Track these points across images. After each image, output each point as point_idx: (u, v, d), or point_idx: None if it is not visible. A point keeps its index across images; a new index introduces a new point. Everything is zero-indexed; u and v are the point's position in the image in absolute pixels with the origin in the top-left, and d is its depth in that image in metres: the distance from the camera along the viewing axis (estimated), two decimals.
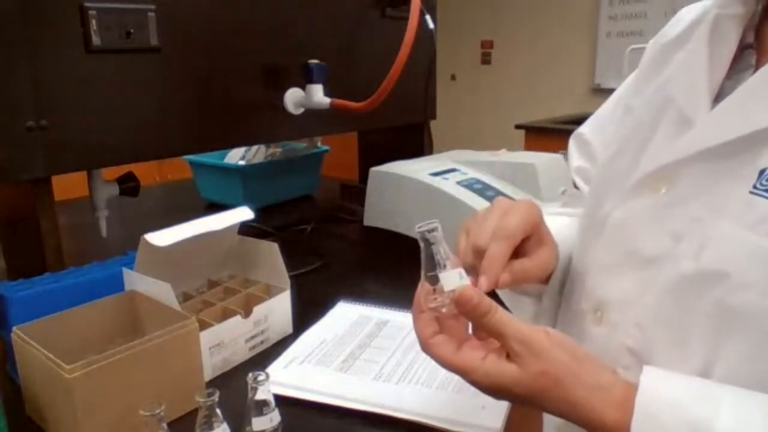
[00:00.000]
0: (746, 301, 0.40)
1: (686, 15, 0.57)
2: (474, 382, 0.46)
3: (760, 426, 0.38)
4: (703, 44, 0.49)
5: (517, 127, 3.13)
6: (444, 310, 0.48)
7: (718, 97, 0.47)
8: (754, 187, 0.41)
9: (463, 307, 0.46)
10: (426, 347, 0.48)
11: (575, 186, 0.75)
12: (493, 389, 0.45)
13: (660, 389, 0.41)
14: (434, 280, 0.48)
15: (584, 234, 0.57)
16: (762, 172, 0.41)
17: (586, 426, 0.43)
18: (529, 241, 0.53)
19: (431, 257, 0.49)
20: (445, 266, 0.48)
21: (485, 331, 0.46)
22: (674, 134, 0.48)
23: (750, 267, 0.40)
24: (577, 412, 0.43)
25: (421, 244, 0.49)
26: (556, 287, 0.61)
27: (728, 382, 0.41)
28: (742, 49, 0.49)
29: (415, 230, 0.49)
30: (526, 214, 0.52)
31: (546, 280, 0.60)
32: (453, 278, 0.48)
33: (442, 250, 0.49)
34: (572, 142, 0.75)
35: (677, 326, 0.44)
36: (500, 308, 0.46)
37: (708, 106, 0.46)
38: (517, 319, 0.46)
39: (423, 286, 0.49)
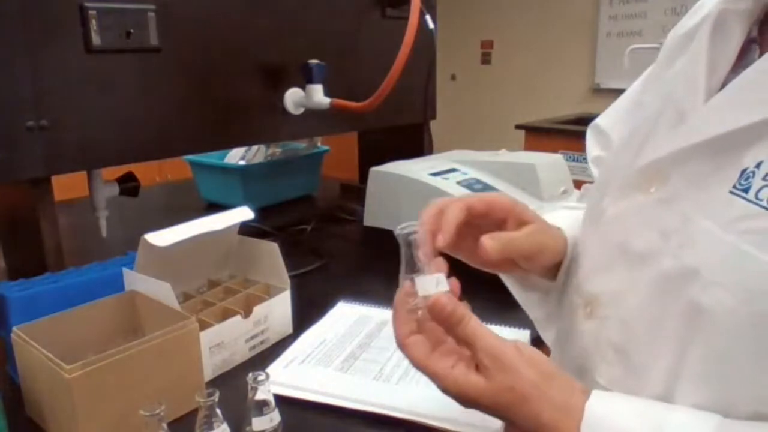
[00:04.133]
0: (716, 299, 0.39)
1: (706, 4, 0.55)
2: (443, 390, 0.46)
3: None
4: (704, 40, 0.48)
5: (517, 127, 3.13)
6: (419, 313, 0.49)
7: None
8: (734, 186, 0.40)
9: (436, 315, 0.46)
10: (401, 346, 0.48)
11: (578, 185, 0.76)
12: (461, 398, 0.46)
13: (605, 414, 0.42)
14: (413, 283, 0.49)
15: (584, 228, 0.57)
16: (743, 171, 0.40)
17: None
18: (506, 223, 0.55)
19: (411, 259, 0.49)
20: (424, 270, 0.49)
21: (457, 339, 0.47)
22: (669, 130, 0.47)
23: (721, 266, 0.39)
24: (542, 431, 0.43)
25: (402, 247, 0.49)
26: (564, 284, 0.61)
27: (695, 383, 0.41)
28: (750, 42, 0.48)
29: (395, 231, 0.50)
30: (489, 196, 0.55)
31: (554, 273, 0.60)
32: (429, 284, 0.48)
33: (421, 253, 0.49)
34: (589, 133, 0.75)
35: (655, 323, 0.44)
36: (474, 318, 0.46)
37: (703, 102, 0.46)
38: (490, 331, 0.46)
39: (403, 287, 0.50)
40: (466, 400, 0.46)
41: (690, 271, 0.41)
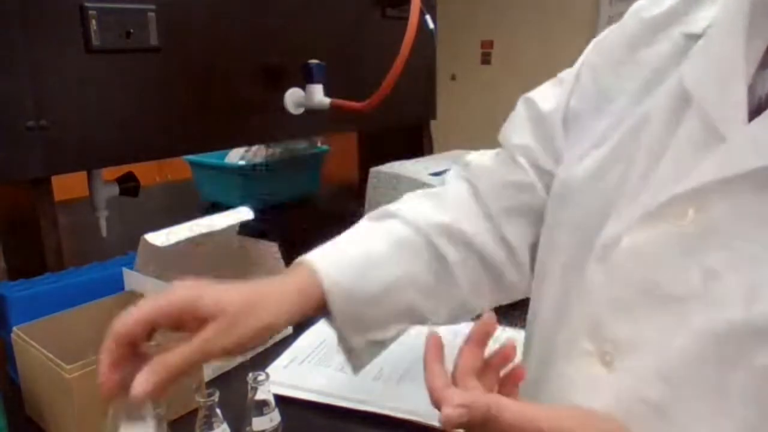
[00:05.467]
0: None
1: None
2: None
3: None
4: (738, 37, 0.40)
5: None
6: None
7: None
8: None
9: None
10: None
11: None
12: None
13: None
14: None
15: (576, 257, 0.47)
16: None
17: None
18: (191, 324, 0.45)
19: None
20: None
21: None
22: (701, 148, 0.40)
23: None
24: None
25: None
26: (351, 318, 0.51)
27: None
28: None
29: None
30: (170, 305, 0.44)
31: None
32: None
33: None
34: (523, 109, 0.61)
35: (717, 382, 0.37)
36: (504, 405, 0.36)
37: (744, 117, 0.39)
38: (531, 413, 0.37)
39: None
40: None
41: None
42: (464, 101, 4.83)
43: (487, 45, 4.72)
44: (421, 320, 0.56)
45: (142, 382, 0.42)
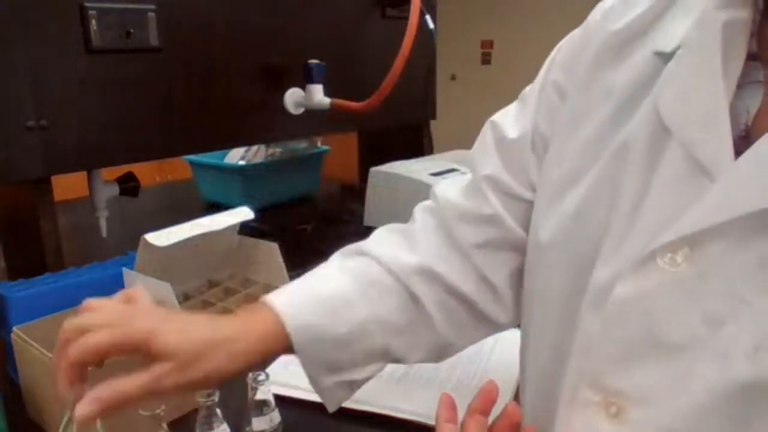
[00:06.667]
0: None
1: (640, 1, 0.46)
2: None
3: None
4: (715, 61, 0.37)
5: None
6: None
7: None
8: None
9: None
10: None
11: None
12: None
13: None
14: None
15: (570, 304, 0.45)
16: None
17: None
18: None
19: None
20: None
21: None
22: (688, 186, 0.38)
23: None
24: None
25: None
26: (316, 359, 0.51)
27: None
28: (748, 59, 0.39)
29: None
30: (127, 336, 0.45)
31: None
32: None
33: None
34: (489, 136, 0.56)
35: None
36: None
37: (731, 151, 0.36)
38: None
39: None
40: None
41: None
42: (464, 101, 4.83)
43: (487, 45, 4.72)
44: (398, 360, 0.55)
45: (86, 405, 0.42)
